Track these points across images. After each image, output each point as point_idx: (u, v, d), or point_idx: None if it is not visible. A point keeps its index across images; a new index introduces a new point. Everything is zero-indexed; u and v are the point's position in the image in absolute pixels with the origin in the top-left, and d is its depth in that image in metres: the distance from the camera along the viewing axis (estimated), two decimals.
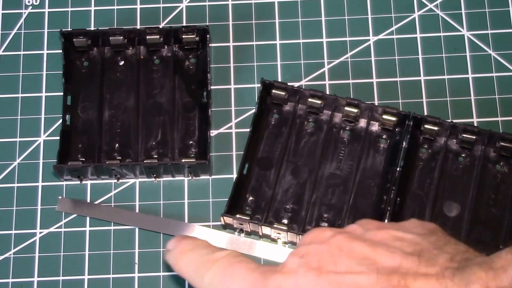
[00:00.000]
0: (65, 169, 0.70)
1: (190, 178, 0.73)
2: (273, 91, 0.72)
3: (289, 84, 0.72)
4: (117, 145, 0.73)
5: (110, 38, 0.74)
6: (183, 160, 0.71)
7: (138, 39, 0.74)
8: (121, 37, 0.74)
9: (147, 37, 0.74)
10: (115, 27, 0.76)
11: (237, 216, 0.68)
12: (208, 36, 0.73)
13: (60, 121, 0.73)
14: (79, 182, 0.73)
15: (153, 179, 0.73)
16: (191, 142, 0.73)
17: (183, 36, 0.74)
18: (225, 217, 0.68)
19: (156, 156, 0.72)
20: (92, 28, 0.77)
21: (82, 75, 0.75)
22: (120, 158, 0.72)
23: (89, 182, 0.73)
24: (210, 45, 0.74)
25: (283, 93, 0.72)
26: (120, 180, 0.73)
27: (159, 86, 0.74)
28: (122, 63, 0.75)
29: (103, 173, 0.72)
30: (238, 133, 0.74)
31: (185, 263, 0.56)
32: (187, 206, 0.72)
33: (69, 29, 0.74)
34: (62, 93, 0.74)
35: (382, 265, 0.51)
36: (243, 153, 0.70)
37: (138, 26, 0.77)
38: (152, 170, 0.71)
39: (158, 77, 0.75)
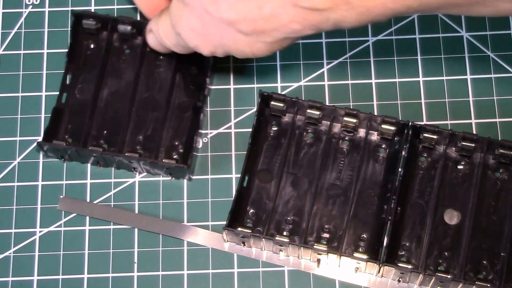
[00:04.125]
0: (47, 146, 0.71)
1: (170, 178, 0.73)
2: (272, 102, 0.72)
3: (287, 95, 0.71)
4: (105, 132, 0.73)
5: (118, 25, 0.74)
6: (163, 161, 0.71)
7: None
8: (130, 27, 0.74)
9: None
10: (121, 16, 0.75)
11: (239, 229, 0.68)
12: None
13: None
14: (61, 161, 0.73)
15: (134, 171, 0.73)
16: (177, 143, 0.73)
17: None
18: (226, 231, 0.68)
19: (140, 151, 0.72)
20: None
21: (86, 57, 0.75)
22: (106, 145, 0.72)
23: (88, 182, 0.73)
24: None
25: (282, 105, 0.72)
26: (101, 168, 0.73)
27: (158, 81, 0.74)
28: (127, 51, 0.75)
29: (85, 157, 0.72)
30: (237, 133, 0.74)
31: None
32: (186, 206, 0.72)
33: (80, 9, 0.75)
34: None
35: None
36: (243, 166, 0.69)
37: None
38: (132, 164, 0.72)
39: (159, 72, 0.75)
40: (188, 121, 0.73)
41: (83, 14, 0.74)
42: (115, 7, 0.78)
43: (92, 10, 0.78)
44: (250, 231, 0.68)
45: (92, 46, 0.75)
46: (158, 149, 0.72)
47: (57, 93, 0.75)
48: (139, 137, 0.73)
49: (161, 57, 0.74)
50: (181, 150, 0.72)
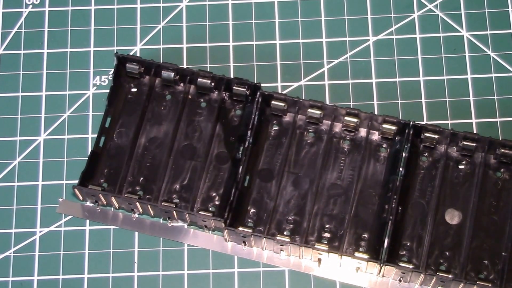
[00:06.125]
0: (85, 191, 0.70)
1: (203, 230, 0.72)
2: (273, 102, 0.71)
3: (288, 94, 0.71)
4: (142, 178, 0.71)
5: (162, 71, 0.72)
6: (200, 213, 0.69)
7: (189, 78, 0.73)
8: (173, 73, 0.72)
9: (198, 79, 0.72)
10: (165, 62, 0.73)
11: (240, 228, 0.68)
12: (258, 92, 0.71)
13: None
14: (95, 205, 0.72)
15: (168, 221, 0.72)
16: (214, 194, 0.71)
17: (234, 87, 0.72)
18: (228, 230, 0.68)
19: (176, 200, 0.71)
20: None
21: (126, 100, 0.74)
22: (141, 192, 0.71)
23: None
24: (259, 101, 0.71)
25: (283, 104, 0.71)
26: (136, 216, 0.72)
27: (199, 129, 0.73)
28: (168, 97, 0.74)
29: (120, 204, 0.71)
30: None
31: None
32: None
33: (124, 54, 0.73)
34: (63, 92, 0.75)
35: None
36: (243, 165, 0.69)
37: (139, 26, 0.78)
38: (168, 214, 0.70)
39: (200, 121, 0.73)
40: (226, 173, 0.72)
41: (127, 58, 0.72)
42: (115, 6, 0.78)
43: (92, 10, 0.78)
44: (251, 231, 0.68)
45: (133, 90, 0.74)
46: (195, 199, 0.71)
47: (57, 92, 0.75)
48: (175, 186, 0.71)
49: (203, 106, 0.73)
50: (217, 202, 0.71)
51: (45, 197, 0.73)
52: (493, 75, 0.76)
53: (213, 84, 0.72)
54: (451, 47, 0.77)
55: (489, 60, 0.76)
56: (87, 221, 0.72)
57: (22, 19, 0.78)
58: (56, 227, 0.72)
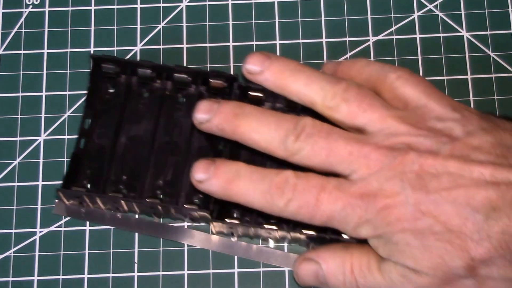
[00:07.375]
0: (68, 193, 0.70)
1: (190, 223, 0.72)
2: (250, 93, 0.71)
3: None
4: (125, 177, 0.71)
5: (138, 69, 0.72)
6: (185, 206, 0.69)
7: (166, 75, 0.73)
8: (150, 71, 0.72)
9: (175, 74, 0.72)
10: (141, 60, 0.73)
11: (227, 220, 0.68)
12: (235, 84, 0.71)
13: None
14: (79, 206, 0.72)
15: (153, 217, 0.72)
16: None
17: (210, 80, 0.72)
18: (214, 223, 0.68)
19: (160, 196, 0.70)
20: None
21: (105, 100, 0.73)
22: (125, 190, 0.71)
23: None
24: (236, 92, 0.71)
25: (261, 95, 0.71)
26: (121, 215, 0.72)
27: (178, 125, 0.73)
28: (146, 95, 0.74)
29: (105, 204, 0.71)
30: None
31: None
32: None
33: (99, 54, 0.73)
34: (62, 92, 0.75)
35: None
36: (226, 157, 0.69)
37: (139, 26, 0.78)
38: (153, 210, 0.70)
39: (179, 116, 0.73)
40: None
41: (103, 58, 0.72)
42: (115, 6, 0.78)
43: (93, 10, 0.78)
44: (239, 222, 0.68)
45: (110, 90, 0.74)
46: (178, 193, 0.71)
47: (57, 93, 0.75)
48: (159, 181, 0.71)
49: (181, 101, 0.73)
50: (201, 195, 0.70)
51: (45, 197, 0.73)
52: (493, 75, 0.76)
53: (190, 78, 0.72)
54: (451, 47, 0.77)
55: (489, 60, 0.76)
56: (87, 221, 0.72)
57: (22, 19, 0.78)
58: (56, 227, 0.72)
